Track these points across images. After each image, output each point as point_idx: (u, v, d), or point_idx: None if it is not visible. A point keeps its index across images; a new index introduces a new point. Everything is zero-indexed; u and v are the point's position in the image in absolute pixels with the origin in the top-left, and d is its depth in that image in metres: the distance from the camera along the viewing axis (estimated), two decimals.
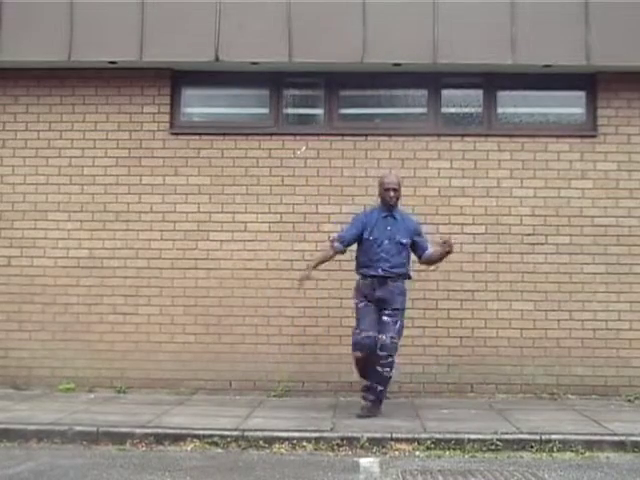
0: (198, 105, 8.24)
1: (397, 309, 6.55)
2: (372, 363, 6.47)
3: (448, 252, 6.56)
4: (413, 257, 6.74)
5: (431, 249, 6.69)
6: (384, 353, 6.41)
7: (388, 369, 6.47)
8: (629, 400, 7.41)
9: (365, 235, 6.62)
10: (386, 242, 6.57)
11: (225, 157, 7.82)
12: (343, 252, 6.78)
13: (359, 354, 6.49)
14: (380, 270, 6.53)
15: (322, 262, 6.79)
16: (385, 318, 6.51)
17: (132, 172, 7.84)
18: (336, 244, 6.70)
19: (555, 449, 5.80)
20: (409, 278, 6.74)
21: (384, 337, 6.43)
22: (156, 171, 7.84)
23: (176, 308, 7.74)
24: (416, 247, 6.69)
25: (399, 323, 6.54)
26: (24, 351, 7.76)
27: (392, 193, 6.61)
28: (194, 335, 7.71)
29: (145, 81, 7.87)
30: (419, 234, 6.72)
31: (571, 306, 7.60)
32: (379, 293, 6.54)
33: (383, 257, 6.54)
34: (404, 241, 6.60)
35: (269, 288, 7.71)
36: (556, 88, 7.91)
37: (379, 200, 6.74)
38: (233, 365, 7.67)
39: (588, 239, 7.64)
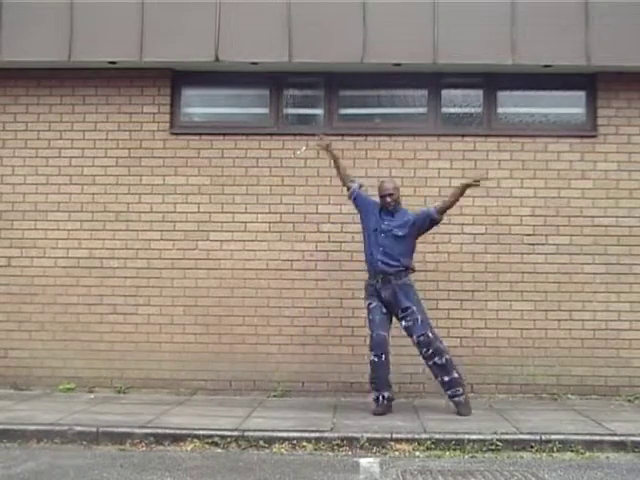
0: (198, 105, 8.24)
1: (407, 307, 6.63)
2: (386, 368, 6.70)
3: (469, 185, 6.67)
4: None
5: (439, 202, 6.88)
6: (424, 349, 6.62)
7: (437, 358, 6.62)
8: (629, 400, 7.41)
9: (365, 222, 6.79)
10: (382, 235, 6.68)
11: (225, 157, 7.82)
12: (348, 188, 6.98)
13: (374, 358, 6.65)
14: (380, 264, 6.64)
15: (337, 168, 7.03)
16: (403, 323, 6.69)
17: (132, 172, 7.84)
18: (352, 184, 6.97)
19: (555, 449, 5.80)
20: (412, 271, 6.79)
21: (414, 338, 6.63)
22: (156, 171, 7.84)
23: (176, 308, 7.74)
24: (424, 220, 6.72)
25: (419, 318, 6.62)
26: (24, 351, 7.77)
27: (388, 199, 6.74)
28: (194, 335, 7.72)
29: (145, 81, 7.87)
30: (418, 215, 6.75)
31: (571, 306, 7.60)
32: (384, 294, 6.66)
33: (381, 251, 6.65)
34: (400, 234, 6.66)
35: (269, 288, 7.71)
36: (556, 88, 7.90)
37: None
38: (233, 365, 7.67)
39: (588, 239, 7.64)
